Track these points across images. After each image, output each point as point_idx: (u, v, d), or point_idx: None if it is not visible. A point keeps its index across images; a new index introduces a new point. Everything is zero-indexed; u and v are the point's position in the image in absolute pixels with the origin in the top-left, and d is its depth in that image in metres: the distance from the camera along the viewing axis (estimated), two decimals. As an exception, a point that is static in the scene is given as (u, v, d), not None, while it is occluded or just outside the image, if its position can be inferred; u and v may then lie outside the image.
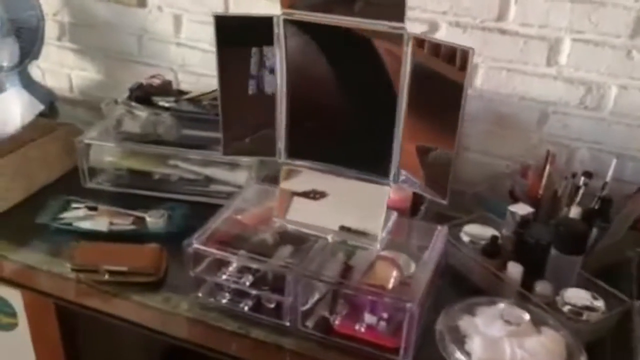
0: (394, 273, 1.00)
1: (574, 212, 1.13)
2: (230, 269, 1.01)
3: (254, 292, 0.99)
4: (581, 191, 1.16)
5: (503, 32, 1.30)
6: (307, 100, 0.98)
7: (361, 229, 1.01)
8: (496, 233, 1.14)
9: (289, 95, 0.97)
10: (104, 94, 1.74)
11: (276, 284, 0.98)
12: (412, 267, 1.05)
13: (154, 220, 1.21)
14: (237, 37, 0.94)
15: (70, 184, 1.37)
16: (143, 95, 1.36)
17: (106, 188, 1.34)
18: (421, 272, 1.00)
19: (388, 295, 0.92)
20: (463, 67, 0.82)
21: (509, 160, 1.39)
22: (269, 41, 0.94)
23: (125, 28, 1.65)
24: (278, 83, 0.96)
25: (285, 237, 1.06)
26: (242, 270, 1.00)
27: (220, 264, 1.02)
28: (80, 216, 1.23)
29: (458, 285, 1.11)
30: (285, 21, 0.91)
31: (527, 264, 1.05)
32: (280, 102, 0.98)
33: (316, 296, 0.97)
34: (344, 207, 1.02)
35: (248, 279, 0.98)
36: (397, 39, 0.86)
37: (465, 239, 1.15)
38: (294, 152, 1.02)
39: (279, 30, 0.92)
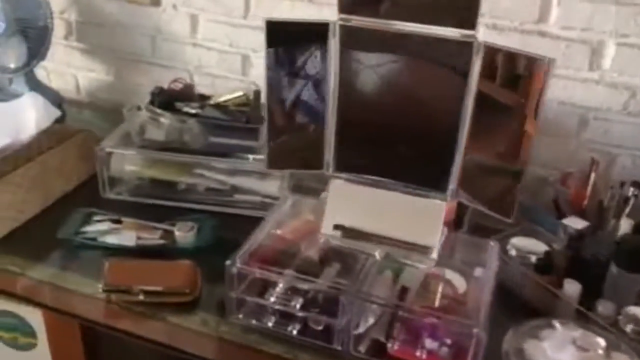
0: (449, 292, 0.95)
1: (625, 225, 1.09)
2: (277, 289, 0.94)
3: (303, 314, 0.93)
4: (631, 202, 1.12)
5: (543, 34, 1.25)
6: (358, 111, 0.92)
7: (415, 244, 0.96)
8: (546, 247, 1.09)
9: (340, 105, 0.91)
10: (114, 96, 1.67)
11: (326, 305, 0.92)
12: (463, 284, 1.00)
13: (183, 234, 1.14)
14: (288, 43, 0.87)
15: (88, 195, 1.30)
16: (166, 100, 1.29)
17: (127, 198, 1.27)
18: (478, 291, 0.95)
19: (453, 320, 0.87)
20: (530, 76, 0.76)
21: (546, 167, 1.34)
22: (321, 48, 0.88)
23: (138, 28, 1.57)
24: (330, 92, 0.90)
25: (331, 254, 1.00)
26: (290, 291, 0.94)
27: (265, 284, 0.96)
28: (104, 230, 1.16)
29: (507, 302, 1.06)
30: (342, 27, 0.85)
31: (582, 281, 1.00)
32: (330, 113, 0.92)
33: (369, 319, 0.92)
34: (395, 222, 0.97)
35: (298, 302, 0.92)
36: (465, 47, 0.80)
37: (513, 252, 1.10)
38: (342, 164, 0.97)
39: (334, 37, 0.85)
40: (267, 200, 1.24)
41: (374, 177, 0.97)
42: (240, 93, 1.29)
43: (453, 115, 0.86)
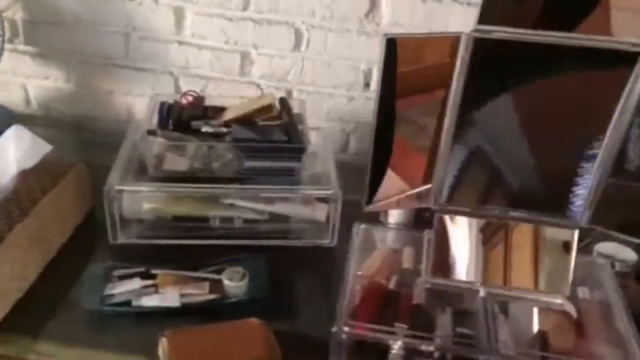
0: (569, 326, 0.86)
1: None
2: (394, 351, 0.80)
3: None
4: None
5: None
6: (476, 135, 0.78)
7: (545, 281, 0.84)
8: (632, 251, 1.02)
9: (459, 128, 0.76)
10: (75, 108, 1.41)
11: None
12: (572, 310, 0.91)
13: (235, 283, 0.96)
14: (410, 61, 0.71)
15: (88, 241, 1.08)
16: (178, 119, 1.07)
17: (144, 242, 1.06)
18: (596, 317, 0.86)
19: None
20: None
21: None
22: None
23: (107, 25, 1.31)
24: (448, 114, 0.75)
25: (436, 296, 0.87)
26: (408, 351, 0.80)
27: (373, 346, 0.81)
28: (136, 289, 0.95)
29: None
30: (477, 40, 0.69)
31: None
32: (446, 138, 0.77)
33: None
34: (515, 257, 0.84)
35: (426, 366, 0.78)
36: (627, 59, 0.68)
37: (600, 261, 1.02)
38: (451, 196, 0.82)
39: (465, 51, 0.70)
40: (311, 225, 1.08)
41: (486, 207, 0.83)
42: (266, 102, 1.10)
43: (592, 133, 0.74)
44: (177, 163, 1.02)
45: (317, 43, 1.26)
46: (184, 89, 1.35)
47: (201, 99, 1.16)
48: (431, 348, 0.79)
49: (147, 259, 1.01)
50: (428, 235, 0.89)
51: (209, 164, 1.03)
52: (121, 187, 1.01)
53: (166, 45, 1.32)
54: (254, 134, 1.04)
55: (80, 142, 1.43)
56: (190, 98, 1.14)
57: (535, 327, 0.85)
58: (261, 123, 1.09)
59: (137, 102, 1.39)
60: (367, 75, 1.29)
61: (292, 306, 0.98)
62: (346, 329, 0.79)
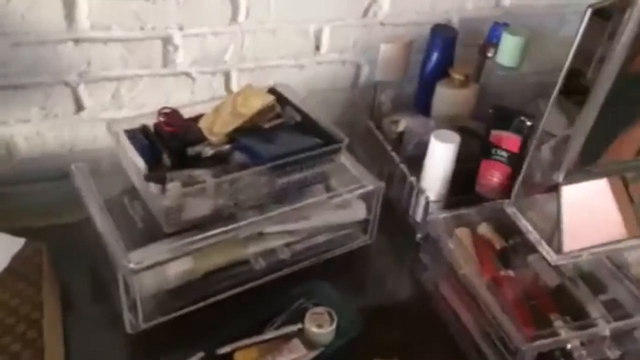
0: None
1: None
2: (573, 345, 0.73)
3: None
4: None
5: None
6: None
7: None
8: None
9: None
10: None
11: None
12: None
13: (325, 330, 0.79)
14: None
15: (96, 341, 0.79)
16: (176, 151, 0.81)
17: (176, 315, 0.81)
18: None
19: None
20: None
21: None
22: None
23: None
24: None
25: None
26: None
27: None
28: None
29: None
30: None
31: None
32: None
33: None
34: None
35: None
36: None
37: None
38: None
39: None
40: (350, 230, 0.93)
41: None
42: (266, 101, 0.88)
43: None
44: (199, 208, 0.78)
45: (258, 9, 1.04)
46: (86, 99, 1.02)
47: (178, 114, 0.88)
48: (606, 332, 0.73)
49: (183, 339, 0.78)
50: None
51: (233, 197, 0.80)
52: (139, 265, 0.73)
53: (55, 47, 0.96)
54: (276, 145, 0.83)
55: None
56: (165, 116, 0.86)
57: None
58: (266, 126, 0.87)
59: (22, 131, 1.02)
60: (318, 37, 1.11)
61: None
62: (534, 344, 0.69)
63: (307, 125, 0.88)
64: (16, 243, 0.71)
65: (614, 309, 0.76)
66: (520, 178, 0.75)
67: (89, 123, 1.05)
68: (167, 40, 1.02)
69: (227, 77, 1.09)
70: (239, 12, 1.03)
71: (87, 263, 0.87)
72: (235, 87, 1.10)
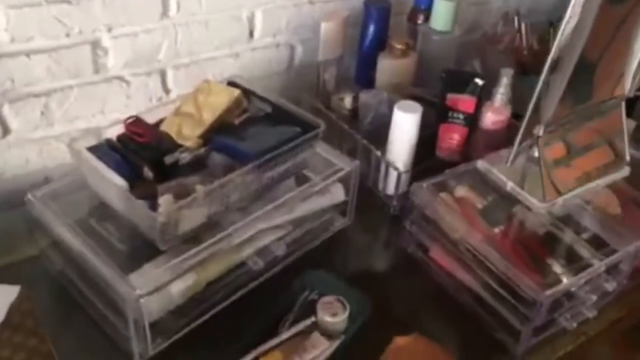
0: None
1: None
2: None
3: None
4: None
5: None
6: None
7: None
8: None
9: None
10: None
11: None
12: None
13: (342, 317, 0.78)
14: None
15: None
16: (150, 159, 0.75)
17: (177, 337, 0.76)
18: None
19: None
20: None
21: None
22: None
23: None
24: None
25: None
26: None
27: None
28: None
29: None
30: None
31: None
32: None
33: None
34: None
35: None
36: None
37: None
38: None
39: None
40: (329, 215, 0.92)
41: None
42: (232, 95, 0.83)
43: None
44: (194, 218, 0.73)
45: (189, 1, 0.98)
46: (12, 120, 0.92)
47: (144, 122, 0.81)
48: (602, 269, 0.79)
49: (198, 356, 0.74)
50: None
51: (226, 199, 0.76)
52: (146, 289, 0.68)
53: (-31, 67, 0.85)
54: (258, 141, 0.79)
55: None
56: (133, 127, 0.78)
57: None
58: (237, 122, 0.83)
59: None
60: (251, 21, 1.07)
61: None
62: (547, 292, 0.73)
63: (279, 115, 0.85)
64: (11, 291, 0.63)
65: (599, 244, 0.82)
66: (518, 137, 0.78)
67: (18, 146, 0.94)
68: (95, 44, 0.93)
69: (163, 76, 1.02)
70: (170, 6, 0.97)
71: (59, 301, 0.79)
72: (172, 86, 1.04)
